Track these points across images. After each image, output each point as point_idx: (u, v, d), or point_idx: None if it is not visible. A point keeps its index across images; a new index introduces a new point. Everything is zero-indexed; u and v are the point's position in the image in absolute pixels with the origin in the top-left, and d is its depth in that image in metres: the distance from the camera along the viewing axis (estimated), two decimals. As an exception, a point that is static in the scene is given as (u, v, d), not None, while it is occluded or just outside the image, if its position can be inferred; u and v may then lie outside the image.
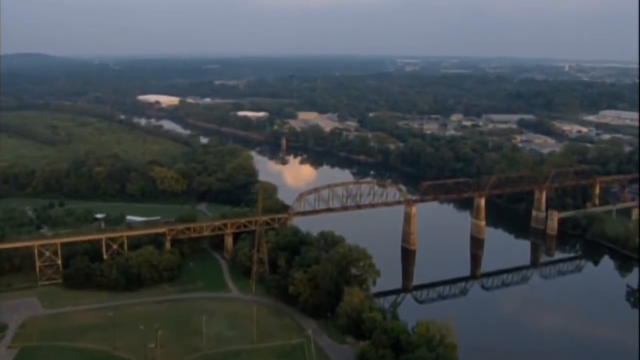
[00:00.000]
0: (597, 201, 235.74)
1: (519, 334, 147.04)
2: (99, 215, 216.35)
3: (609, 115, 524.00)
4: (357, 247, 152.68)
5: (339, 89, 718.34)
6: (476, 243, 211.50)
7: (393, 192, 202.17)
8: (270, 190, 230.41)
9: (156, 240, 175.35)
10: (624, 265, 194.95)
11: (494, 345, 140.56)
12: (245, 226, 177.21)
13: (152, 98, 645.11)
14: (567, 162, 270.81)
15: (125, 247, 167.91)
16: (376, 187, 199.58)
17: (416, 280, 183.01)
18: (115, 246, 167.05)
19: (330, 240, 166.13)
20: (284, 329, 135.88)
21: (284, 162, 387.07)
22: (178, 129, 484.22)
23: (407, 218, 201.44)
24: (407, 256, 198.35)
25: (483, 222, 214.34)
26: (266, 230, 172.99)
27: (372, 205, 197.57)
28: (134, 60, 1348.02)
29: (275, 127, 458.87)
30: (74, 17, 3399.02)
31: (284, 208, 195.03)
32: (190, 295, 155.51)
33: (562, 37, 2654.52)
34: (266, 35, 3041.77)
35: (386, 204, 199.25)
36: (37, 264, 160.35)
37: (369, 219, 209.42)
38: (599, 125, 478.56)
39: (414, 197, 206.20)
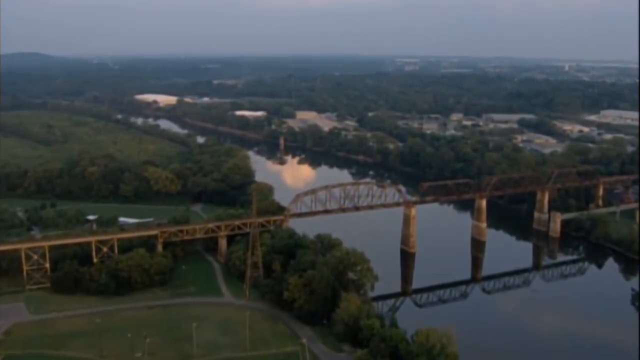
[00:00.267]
0: (600, 202, 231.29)
1: (521, 339, 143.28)
2: (91, 217, 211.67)
3: (610, 115, 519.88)
4: (354, 251, 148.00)
5: (338, 89, 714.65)
6: (477, 245, 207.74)
7: (392, 193, 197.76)
8: (267, 191, 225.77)
9: (148, 243, 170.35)
10: (629, 268, 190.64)
11: (496, 350, 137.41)
12: (239, 228, 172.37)
13: (149, 97, 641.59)
14: (569, 163, 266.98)
15: (116, 250, 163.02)
16: (375, 188, 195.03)
17: (416, 284, 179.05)
18: (105, 249, 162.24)
19: (327, 243, 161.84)
20: (278, 336, 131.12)
21: (282, 162, 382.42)
22: (175, 128, 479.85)
23: (407, 220, 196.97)
24: (407, 259, 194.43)
25: (484, 224, 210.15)
26: (261, 233, 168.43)
27: (371, 207, 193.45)
28: (133, 60, 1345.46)
29: (273, 127, 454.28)
30: (73, 17, 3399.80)
31: (280, 209, 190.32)
32: (182, 300, 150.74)
33: (562, 37, 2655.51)
34: (266, 35, 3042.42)
35: (385, 205, 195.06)
36: (25, 267, 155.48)
37: (368, 221, 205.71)
38: (600, 125, 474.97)
39: (414, 199, 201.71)
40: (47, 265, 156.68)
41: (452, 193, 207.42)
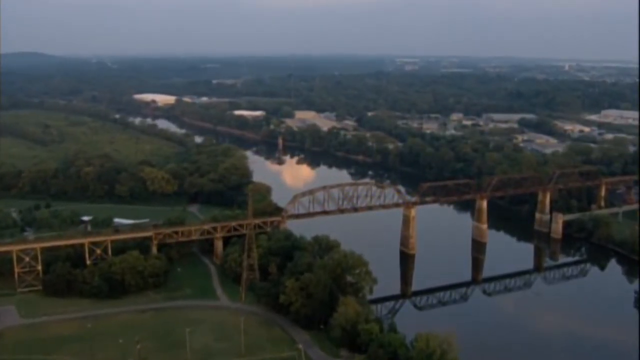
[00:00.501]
0: (602, 203, 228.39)
1: (523, 342, 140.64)
2: (85, 218, 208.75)
3: (611, 115, 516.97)
4: (352, 254, 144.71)
5: (337, 88, 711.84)
6: (478, 246, 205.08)
7: (391, 193, 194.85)
8: (264, 191, 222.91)
9: (143, 245, 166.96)
10: (632, 270, 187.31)
11: (497, 353, 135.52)
12: (235, 230, 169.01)
13: (148, 97, 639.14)
14: (570, 163, 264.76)
15: (110, 252, 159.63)
16: (374, 189, 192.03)
17: (415, 286, 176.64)
18: (98, 251, 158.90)
19: (324, 245, 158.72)
20: (274, 341, 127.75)
21: (281, 162, 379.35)
22: (174, 128, 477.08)
23: (406, 221, 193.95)
24: (406, 261, 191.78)
25: (485, 225, 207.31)
26: (258, 234, 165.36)
27: (370, 208, 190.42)
28: (132, 60, 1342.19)
29: (272, 127, 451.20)
30: (73, 17, 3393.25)
31: (278, 210, 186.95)
32: (177, 303, 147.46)
33: (562, 37, 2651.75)
34: (265, 34, 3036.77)
35: (384, 206, 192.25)
36: (16, 269, 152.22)
37: (366, 222, 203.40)
38: (601, 125, 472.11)
39: (413, 199, 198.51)
40: (39, 267, 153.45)
41: (452, 194, 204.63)
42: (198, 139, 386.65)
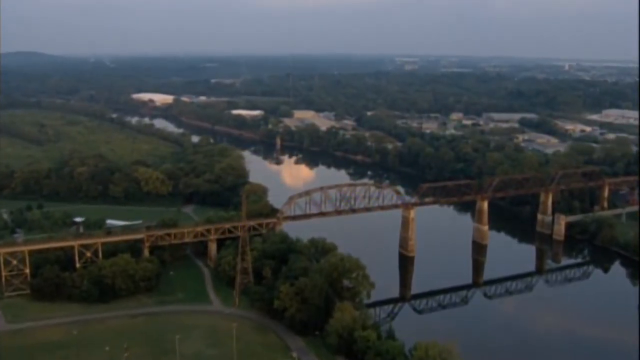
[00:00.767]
0: (605, 204, 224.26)
1: (525, 346, 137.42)
2: (78, 219, 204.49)
3: (612, 115, 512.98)
4: (349, 257, 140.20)
5: (336, 88, 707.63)
6: (478, 248, 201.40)
7: (390, 194, 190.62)
8: (260, 192, 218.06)
9: (135, 247, 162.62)
10: (636, 272, 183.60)
11: (498, 358, 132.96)
12: (230, 232, 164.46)
13: (146, 96, 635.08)
14: (573, 163, 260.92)
15: (100, 254, 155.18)
16: (372, 190, 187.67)
17: (415, 289, 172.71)
18: (88, 254, 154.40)
19: (321, 248, 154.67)
20: (267, 348, 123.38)
21: (279, 162, 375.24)
22: (171, 127, 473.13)
23: (405, 222, 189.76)
24: (405, 263, 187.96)
25: (486, 227, 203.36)
26: (253, 237, 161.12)
27: (368, 209, 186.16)
28: (132, 59, 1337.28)
29: (270, 126, 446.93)
30: (73, 17, 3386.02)
31: (274, 212, 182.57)
32: (168, 308, 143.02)
33: (562, 36, 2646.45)
34: (265, 34, 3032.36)
35: (382, 207, 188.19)
36: (3, 273, 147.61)
37: (365, 224, 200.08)
38: (602, 125, 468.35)
39: (413, 200, 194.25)
40: (27, 270, 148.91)
41: (453, 194, 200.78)
42: (195, 139, 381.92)
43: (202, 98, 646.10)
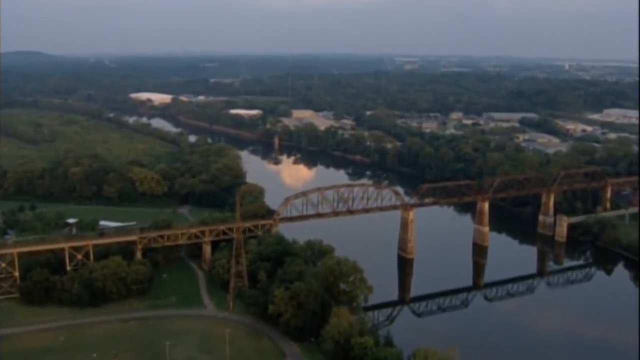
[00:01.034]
0: (608, 205, 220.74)
1: (526, 350, 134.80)
2: (70, 220, 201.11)
3: (613, 114, 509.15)
4: (346, 260, 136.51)
5: (336, 87, 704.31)
6: (479, 250, 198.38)
7: (389, 195, 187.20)
8: (257, 192, 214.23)
9: (127, 249, 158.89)
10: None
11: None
12: (225, 233, 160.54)
13: (144, 96, 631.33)
14: (574, 163, 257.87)
15: (91, 257, 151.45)
16: (370, 190, 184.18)
17: (414, 292, 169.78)
18: (79, 256, 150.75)
19: (317, 250, 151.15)
20: (262, 354, 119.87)
21: (277, 162, 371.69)
22: (169, 127, 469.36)
23: (404, 224, 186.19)
24: (404, 265, 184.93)
25: (486, 228, 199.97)
26: (248, 239, 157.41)
27: (366, 210, 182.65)
28: (131, 59, 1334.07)
29: (268, 126, 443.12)
30: (73, 17, 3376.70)
31: (270, 213, 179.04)
32: (161, 312, 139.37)
33: (562, 36, 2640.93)
34: (265, 34, 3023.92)
35: (381, 208, 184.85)
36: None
37: (363, 225, 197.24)
38: (604, 124, 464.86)
39: (412, 201, 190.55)
40: (16, 273, 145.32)
41: (453, 195, 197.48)
42: (193, 139, 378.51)
43: (201, 98, 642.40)
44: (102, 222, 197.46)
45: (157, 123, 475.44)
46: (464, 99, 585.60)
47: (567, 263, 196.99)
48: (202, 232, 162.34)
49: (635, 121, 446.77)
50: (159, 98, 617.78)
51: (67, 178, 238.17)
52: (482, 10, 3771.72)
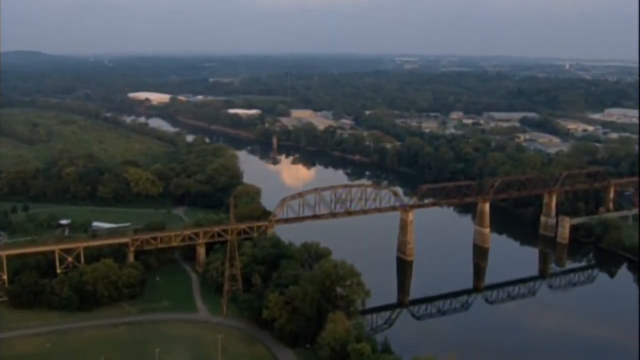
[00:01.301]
0: (611, 206, 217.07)
1: (528, 355, 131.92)
2: (63, 221, 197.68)
3: (614, 114, 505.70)
4: (343, 264, 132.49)
5: (335, 87, 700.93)
6: (479, 252, 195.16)
7: (388, 196, 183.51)
8: (253, 193, 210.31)
9: (119, 252, 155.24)
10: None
11: None
12: (219, 235, 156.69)
13: (142, 95, 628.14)
14: (576, 163, 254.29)
15: (82, 259, 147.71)
16: (369, 191, 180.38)
17: (413, 294, 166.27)
18: (70, 259, 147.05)
19: (314, 253, 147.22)
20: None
21: (275, 162, 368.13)
22: (167, 126, 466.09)
23: (404, 225, 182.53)
24: (403, 267, 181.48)
25: (487, 229, 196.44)
26: (243, 240, 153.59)
27: (364, 212, 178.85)
28: (131, 59, 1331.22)
29: (267, 125, 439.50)
30: (73, 17, 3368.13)
31: (266, 214, 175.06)
32: (152, 316, 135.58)
33: (562, 36, 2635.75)
34: (265, 33, 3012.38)
35: (380, 209, 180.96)
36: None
37: (361, 227, 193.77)
38: (605, 124, 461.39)
39: (411, 202, 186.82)
40: (5, 276, 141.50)
41: (453, 196, 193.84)
42: (190, 138, 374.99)
43: (200, 97, 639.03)
44: (96, 223, 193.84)
45: (155, 122, 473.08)
46: (464, 99, 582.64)
47: (569, 265, 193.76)
48: (196, 234, 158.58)
49: (636, 120, 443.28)
50: (158, 97, 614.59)
51: (61, 178, 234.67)
52: (482, 10, 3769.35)
